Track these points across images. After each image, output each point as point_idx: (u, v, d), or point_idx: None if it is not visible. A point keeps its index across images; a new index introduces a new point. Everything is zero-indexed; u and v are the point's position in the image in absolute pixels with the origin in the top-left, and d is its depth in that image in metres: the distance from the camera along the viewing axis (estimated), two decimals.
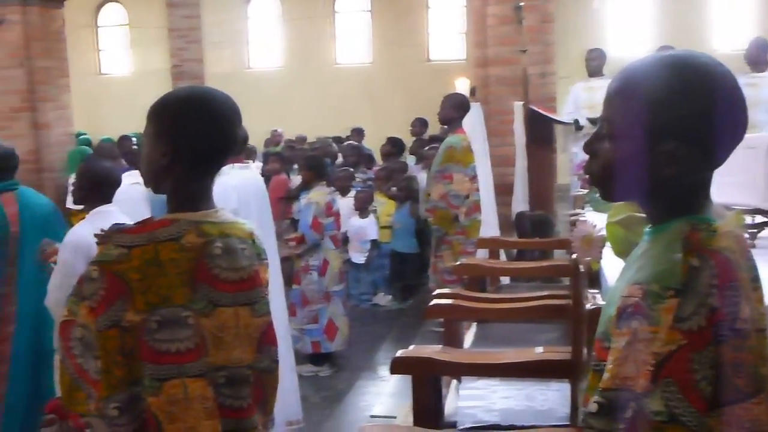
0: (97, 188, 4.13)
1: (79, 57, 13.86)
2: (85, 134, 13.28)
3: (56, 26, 9.06)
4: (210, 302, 1.87)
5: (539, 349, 3.16)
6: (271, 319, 2.03)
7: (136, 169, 5.69)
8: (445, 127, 6.97)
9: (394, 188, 8.73)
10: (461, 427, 3.11)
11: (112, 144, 8.06)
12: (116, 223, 1.97)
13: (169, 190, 1.97)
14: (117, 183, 4.24)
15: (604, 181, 1.47)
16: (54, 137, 8.82)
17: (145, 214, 5.03)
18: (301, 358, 6.47)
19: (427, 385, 3.04)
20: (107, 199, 4.15)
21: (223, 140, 1.97)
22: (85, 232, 3.96)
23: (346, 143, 10.91)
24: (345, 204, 8.08)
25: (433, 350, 3.13)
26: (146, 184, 2.05)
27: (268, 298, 2.05)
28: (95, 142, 11.00)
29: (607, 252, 2.85)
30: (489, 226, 6.92)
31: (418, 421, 2.99)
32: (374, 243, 8.57)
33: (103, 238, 1.87)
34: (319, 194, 6.65)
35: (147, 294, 1.81)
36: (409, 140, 10.29)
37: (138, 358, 1.81)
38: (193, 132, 1.93)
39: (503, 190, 7.43)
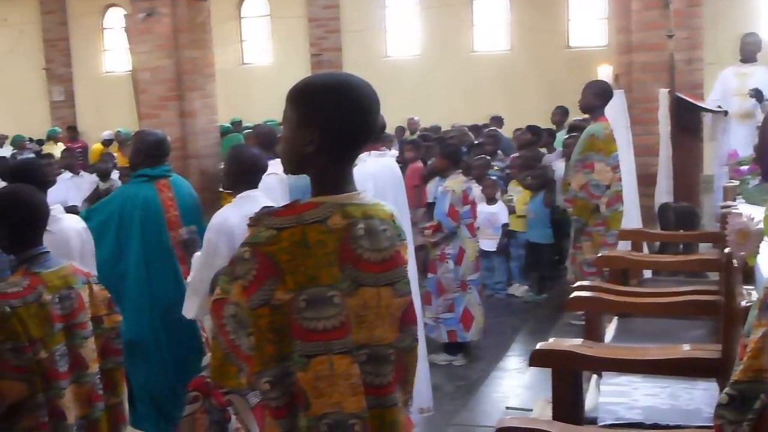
0: (244, 174, 4.26)
1: (223, 47, 14.26)
2: (238, 121, 13.74)
3: (202, 18, 9.35)
4: (354, 282, 1.92)
5: (686, 347, 3.04)
6: (412, 299, 2.06)
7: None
8: (587, 115, 6.80)
9: (529, 177, 8.59)
10: (602, 424, 3.03)
11: (271, 127, 8.23)
12: (266, 206, 2.01)
13: (313, 175, 2.01)
14: (263, 169, 4.37)
15: None
16: (199, 125, 9.13)
17: (281, 202, 5.17)
18: (435, 347, 6.48)
19: (568, 380, 2.97)
20: (254, 184, 4.27)
21: (365, 127, 2.00)
22: (230, 216, 4.11)
23: (485, 130, 10.82)
24: (478, 192, 8.03)
25: (573, 344, 3.06)
26: (287, 168, 2.09)
27: (409, 277, 2.06)
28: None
29: (765, 246, 2.71)
30: (631, 218, 6.72)
31: (557, 415, 2.93)
32: (509, 232, 8.48)
33: (255, 220, 1.92)
34: (456, 182, 6.63)
35: (296, 274, 1.86)
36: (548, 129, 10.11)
37: (288, 335, 1.86)
38: (338, 120, 1.96)
39: (646, 181, 7.19)
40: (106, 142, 14.05)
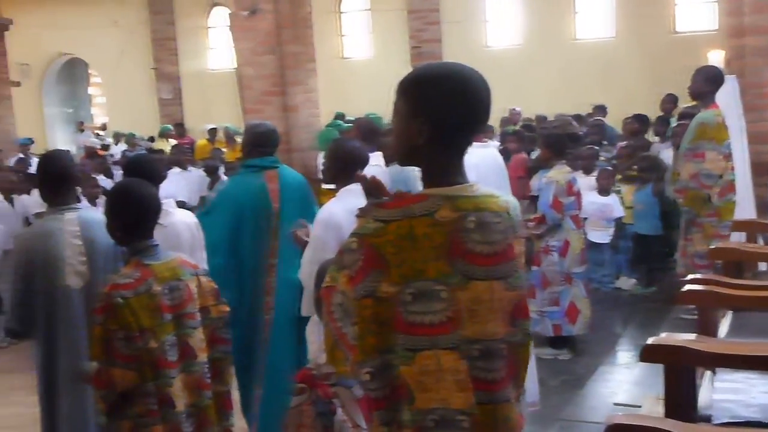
0: (346, 167, 4.26)
1: (324, 42, 14.42)
2: (341, 115, 13.86)
3: (304, 13, 9.49)
4: (465, 276, 1.88)
5: None
6: (525, 293, 2.01)
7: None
8: (696, 102, 6.57)
9: (635, 167, 8.37)
10: (717, 422, 2.93)
11: (372, 119, 8.28)
12: (375, 199, 2.02)
13: (423, 166, 1.99)
14: (365, 162, 4.36)
15: None
16: (302, 119, 9.28)
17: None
18: (539, 340, 6.39)
19: (680, 376, 2.87)
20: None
21: (476, 117, 1.97)
22: (335, 210, 4.12)
23: (590, 120, 10.60)
24: (585, 183, 7.86)
25: (686, 339, 2.96)
26: (397, 159, 2.08)
27: (522, 271, 2.02)
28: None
29: None
30: (744, 208, 6.47)
31: (669, 412, 2.84)
32: (619, 223, 8.29)
33: (363, 211, 1.93)
34: (560, 173, 6.50)
35: (402, 267, 1.85)
36: (653, 117, 9.82)
37: (392, 328, 1.85)
38: (450, 111, 1.93)
39: (760, 170, 6.92)
40: (210, 133, 14.40)
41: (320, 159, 8.87)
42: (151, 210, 3.26)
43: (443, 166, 1.96)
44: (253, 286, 4.86)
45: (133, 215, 3.21)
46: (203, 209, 5.23)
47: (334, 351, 1.98)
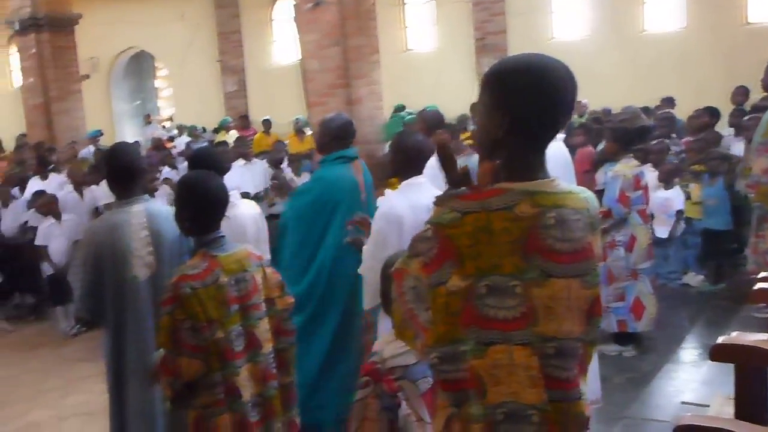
0: (409, 160, 4.25)
1: (387, 34, 14.41)
2: (402, 107, 13.90)
3: (368, 5, 9.48)
4: (543, 272, 1.86)
5: None
6: (600, 291, 1.99)
7: None
8: None
9: (704, 162, 8.19)
10: None
11: (437, 111, 8.26)
12: (452, 188, 2.00)
13: (504, 160, 1.97)
14: (429, 155, 4.34)
15: None
16: (365, 112, 9.27)
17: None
18: (603, 336, 6.31)
19: (752, 376, 2.81)
20: (419, 170, 4.26)
21: (559, 110, 1.94)
22: (396, 203, 4.12)
23: (659, 113, 10.38)
24: (653, 177, 7.72)
25: (759, 338, 2.89)
26: (479, 152, 2.07)
27: (599, 269, 2.00)
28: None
29: None
30: None
31: (740, 414, 2.78)
32: (686, 219, 8.12)
33: (440, 200, 1.92)
34: (627, 167, 6.40)
35: (477, 260, 1.84)
36: (725, 110, 9.57)
37: (462, 319, 1.85)
38: (531, 103, 1.90)
39: None
40: (264, 125, 14.55)
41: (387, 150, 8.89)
42: (219, 202, 3.31)
43: (523, 160, 1.95)
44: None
45: (202, 207, 3.26)
46: (298, 194, 5.25)
47: (403, 328, 1.99)
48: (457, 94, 15.06)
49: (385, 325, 3.43)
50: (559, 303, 1.87)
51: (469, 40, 15.99)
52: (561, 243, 1.88)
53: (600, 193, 7.45)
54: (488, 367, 1.85)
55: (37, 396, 6.93)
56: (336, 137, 5.06)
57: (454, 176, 2.01)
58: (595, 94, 13.03)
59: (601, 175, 8.13)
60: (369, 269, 4.02)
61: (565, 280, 1.88)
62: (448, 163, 2.03)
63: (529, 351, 1.85)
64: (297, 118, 14.04)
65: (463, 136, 8.57)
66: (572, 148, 7.81)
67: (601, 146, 8.73)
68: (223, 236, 3.28)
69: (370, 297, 4.04)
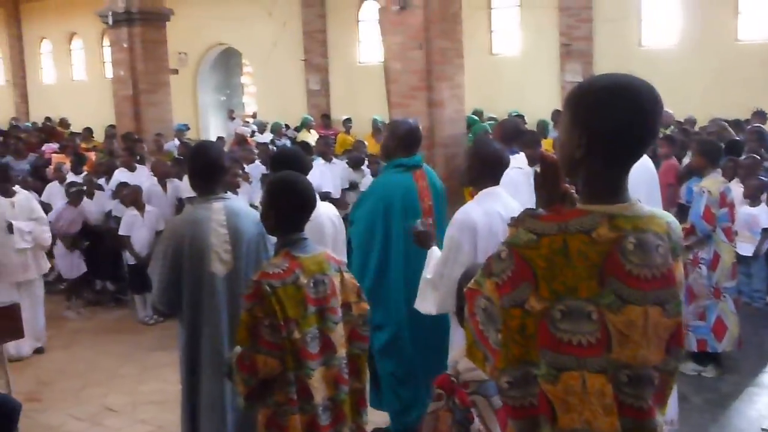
0: (486, 169, 4.19)
1: (473, 38, 14.32)
2: (480, 112, 13.81)
3: (454, 9, 9.42)
4: (619, 298, 1.79)
5: None
6: (682, 320, 1.91)
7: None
8: None
9: None
10: None
11: (516, 120, 8.16)
12: (530, 209, 1.95)
13: (583, 180, 1.91)
14: (506, 164, 4.28)
15: None
16: (447, 115, 9.22)
17: (525, 198, 5.06)
18: (683, 355, 6.13)
19: None
20: (495, 180, 4.20)
21: (642, 131, 1.86)
22: (472, 212, 4.07)
23: (749, 127, 10.06)
24: (735, 192, 7.48)
25: None
26: (562, 173, 2.00)
27: (682, 297, 1.92)
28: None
29: None
30: None
31: None
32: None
33: (516, 221, 1.87)
34: (713, 183, 6.22)
35: (552, 283, 1.79)
36: None
37: (536, 342, 1.80)
38: (607, 121, 1.84)
39: None
40: (345, 124, 14.62)
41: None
42: (307, 204, 3.33)
43: (603, 181, 1.88)
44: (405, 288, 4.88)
45: (289, 208, 3.29)
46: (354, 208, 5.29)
47: (474, 350, 1.95)
48: (540, 100, 14.90)
49: (460, 337, 3.40)
50: (635, 330, 1.80)
51: (555, 45, 15.80)
52: (640, 269, 1.81)
53: (682, 208, 7.26)
54: (560, 393, 1.79)
55: (114, 380, 7.09)
56: (401, 143, 5.04)
57: (551, 198, 1.95)
58: (682, 104, 12.72)
59: (686, 189, 7.92)
60: (440, 275, 3.98)
61: (643, 307, 1.81)
62: (548, 183, 1.98)
63: (603, 379, 1.79)
64: (374, 119, 14.09)
65: (545, 143, 8.46)
66: (656, 160, 7.64)
67: (686, 159, 8.50)
68: (306, 238, 3.31)
69: (440, 302, 4.01)
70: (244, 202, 4.96)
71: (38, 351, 7.94)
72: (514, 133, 6.34)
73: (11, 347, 7.16)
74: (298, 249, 3.24)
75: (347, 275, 3.37)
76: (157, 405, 6.33)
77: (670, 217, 1.96)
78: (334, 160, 10.33)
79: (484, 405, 2.49)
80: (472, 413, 2.49)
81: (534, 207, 2.08)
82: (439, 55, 9.23)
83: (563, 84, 15.24)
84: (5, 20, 26.42)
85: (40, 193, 10.89)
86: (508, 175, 4.37)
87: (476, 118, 12.61)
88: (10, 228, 7.64)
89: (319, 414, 3.19)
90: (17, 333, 6.28)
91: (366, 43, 19.00)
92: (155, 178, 9.89)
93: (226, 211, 3.98)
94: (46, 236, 8.06)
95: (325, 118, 16.65)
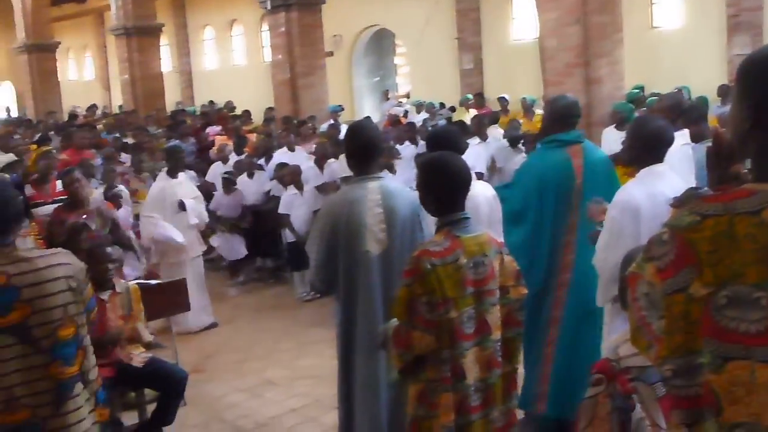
0: (648, 147, 4.03)
1: (632, 11, 13.82)
2: (641, 87, 13.34)
3: None
4: None
5: None
6: None
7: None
8: None
9: None
10: None
11: (679, 95, 7.78)
12: (693, 188, 1.85)
13: (753, 157, 1.78)
14: (669, 142, 4.10)
15: None
16: (605, 92, 8.97)
17: (689, 177, 4.83)
18: None
19: None
20: (659, 158, 4.04)
21: None
22: (635, 192, 3.92)
23: None
24: None
25: None
26: (735, 149, 1.89)
27: None
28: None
29: None
30: None
31: None
32: None
33: (679, 202, 1.78)
34: None
35: (717, 267, 1.67)
36: None
37: (701, 329, 1.70)
38: None
39: None
40: (501, 103, 14.44)
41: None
42: (464, 182, 3.32)
43: None
44: (547, 266, 4.78)
45: (447, 187, 3.29)
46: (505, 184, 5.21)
47: (637, 336, 1.87)
48: (704, 75, 14.20)
49: (621, 322, 3.29)
50: None
51: (721, 16, 14.99)
52: None
53: None
54: (725, 383, 1.68)
55: (272, 354, 7.35)
56: (559, 119, 4.89)
57: (723, 178, 1.83)
58: None
59: None
60: (602, 261, 3.85)
61: None
62: (720, 162, 1.86)
63: None
64: (524, 97, 13.89)
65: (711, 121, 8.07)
66: None
67: None
68: (468, 218, 3.30)
69: (603, 291, 3.88)
70: (399, 183, 4.98)
71: (212, 326, 8.31)
72: (677, 109, 6.08)
73: (182, 322, 7.55)
74: (460, 228, 3.23)
75: (507, 258, 3.34)
76: (313, 379, 6.50)
77: None
78: (489, 139, 10.23)
79: (648, 392, 2.39)
80: (633, 400, 2.40)
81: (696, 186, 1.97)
82: (597, 30, 8.98)
83: (730, 58, 14.45)
84: (172, 10, 27.69)
85: (204, 173, 11.41)
86: (673, 152, 4.19)
87: (639, 92, 12.19)
88: (182, 206, 8.07)
89: (470, 394, 3.18)
90: (184, 307, 6.62)
91: (519, 21, 18.70)
92: (311, 160, 10.11)
93: (381, 191, 4.00)
94: (205, 214, 8.57)
95: (479, 97, 16.53)
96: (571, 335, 4.75)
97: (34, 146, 12.42)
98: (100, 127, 17.75)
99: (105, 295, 5.24)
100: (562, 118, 4.89)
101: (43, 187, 8.28)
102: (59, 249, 3.20)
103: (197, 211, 8.25)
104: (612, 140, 8.17)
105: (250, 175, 10.49)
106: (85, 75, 34.95)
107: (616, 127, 8.61)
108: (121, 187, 8.94)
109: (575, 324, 4.74)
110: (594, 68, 8.96)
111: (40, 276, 2.92)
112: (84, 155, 10.94)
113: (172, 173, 8.22)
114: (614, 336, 2.99)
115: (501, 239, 3.90)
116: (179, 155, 8.50)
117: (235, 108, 19.16)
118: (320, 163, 9.93)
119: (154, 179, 9.04)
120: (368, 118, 14.52)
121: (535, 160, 5.17)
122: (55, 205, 7.49)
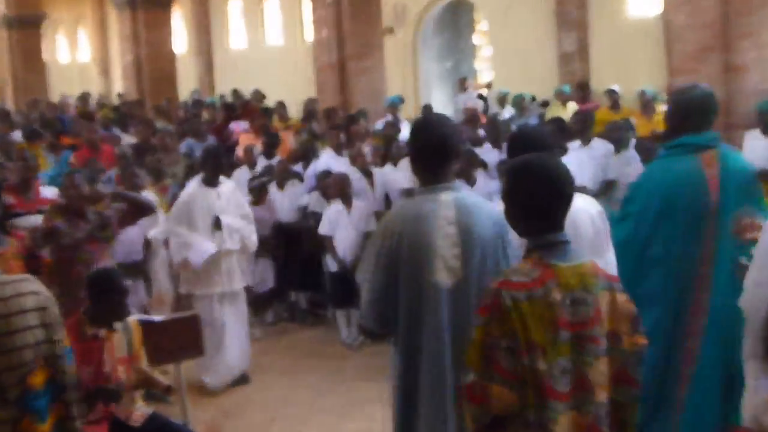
0: None
1: None
2: None
3: None
4: None
5: None
6: None
7: None
8: None
9: None
10: None
11: None
12: None
13: None
14: None
15: None
16: (750, 84, 8.88)
17: None
18: None
19: None
20: None
21: None
22: None
23: None
24: None
25: None
26: None
27: None
28: None
29: None
30: None
31: None
32: None
33: None
34: None
35: None
36: None
37: None
38: None
39: None
40: (610, 97, 14.32)
41: None
42: (562, 194, 3.29)
43: None
44: (675, 308, 4.75)
45: (540, 199, 3.26)
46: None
47: None
48: None
49: (764, 383, 3.24)
50: None
51: None
52: None
53: None
54: None
55: (311, 417, 7.39)
56: (689, 116, 4.86)
57: None
58: None
59: None
60: (751, 302, 3.79)
61: None
62: None
63: None
64: (642, 90, 13.75)
65: None
66: None
67: None
68: (567, 241, 3.27)
69: (751, 342, 3.81)
70: (479, 196, 4.96)
71: (242, 380, 8.26)
72: None
73: (205, 375, 7.62)
74: (555, 255, 3.21)
75: (621, 296, 3.27)
76: None
77: None
78: (593, 141, 10.13)
79: None
80: None
81: None
82: (740, 3, 8.89)
83: None
84: None
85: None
86: None
87: None
88: (217, 223, 7.96)
89: None
90: (196, 350, 6.66)
91: None
92: (357, 169, 9.96)
93: (456, 206, 3.97)
94: (254, 238, 8.32)
95: (582, 89, 16.43)
96: (706, 399, 4.71)
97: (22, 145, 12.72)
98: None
99: (101, 333, 5.30)
100: (693, 115, 4.85)
101: (25, 194, 8.40)
102: (26, 275, 3.21)
103: (240, 233, 8.14)
104: (757, 149, 8.08)
105: (281, 186, 10.46)
106: (79, 56, 35.64)
107: (762, 131, 8.51)
108: (150, 194, 8.86)
109: (710, 385, 4.69)
110: (735, 53, 8.88)
111: (5, 308, 2.92)
112: (102, 153, 11.12)
113: (210, 181, 8.09)
114: (758, 399, 2.96)
115: (612, 269, 3.86)
116: (218, 158, 8.36)
117: (265, 98, 19.34)
118: (367, 171, 9.87)
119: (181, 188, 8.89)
120: (434, 110, 14.33)
121: (656, 172, 5.11)
122: (41, 216, 7.49)
